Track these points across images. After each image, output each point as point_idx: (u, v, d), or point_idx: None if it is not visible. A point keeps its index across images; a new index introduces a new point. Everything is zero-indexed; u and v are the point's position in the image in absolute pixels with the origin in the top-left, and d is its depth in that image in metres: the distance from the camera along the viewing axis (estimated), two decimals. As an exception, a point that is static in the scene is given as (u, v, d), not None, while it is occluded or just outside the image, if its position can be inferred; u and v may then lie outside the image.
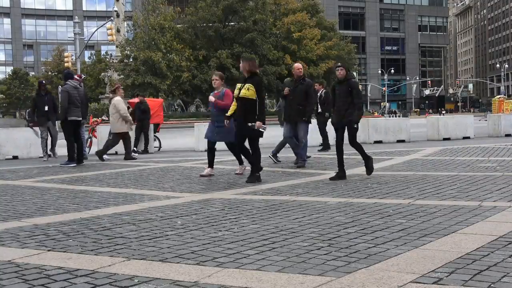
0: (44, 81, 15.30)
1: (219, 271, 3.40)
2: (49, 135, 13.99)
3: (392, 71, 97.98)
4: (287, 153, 11.66)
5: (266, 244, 4.12)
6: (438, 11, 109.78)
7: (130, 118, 13.45)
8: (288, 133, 10.70)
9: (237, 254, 3.82)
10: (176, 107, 66.33)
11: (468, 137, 18.32)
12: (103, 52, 69.35)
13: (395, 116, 65.55)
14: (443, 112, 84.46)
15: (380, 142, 17.21)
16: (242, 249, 3.97)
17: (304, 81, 10.52)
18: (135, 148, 15.50)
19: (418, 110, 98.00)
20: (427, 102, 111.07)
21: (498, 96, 60.64)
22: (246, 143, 8.69)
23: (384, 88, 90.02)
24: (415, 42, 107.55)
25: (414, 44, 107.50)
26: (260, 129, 8.29)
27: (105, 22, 49.24)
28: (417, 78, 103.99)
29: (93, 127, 17.20)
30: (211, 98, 9.17)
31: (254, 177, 8.14)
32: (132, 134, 15.86)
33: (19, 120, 61.25)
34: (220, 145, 16.08)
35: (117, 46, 51.46)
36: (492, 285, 3.04)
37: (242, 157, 9.21)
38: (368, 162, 8.47)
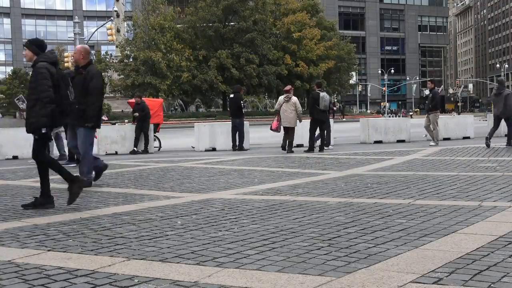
0: None
1: (219, 271, 3.40)
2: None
3: (392, 71, 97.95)
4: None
5: (266, 244, 4.12)
6: (438, 11, 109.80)
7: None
8: (72, 142, 8.59)
9: (237, 254, 3.82)
10: (176, 107, 66.37)
11: (468, 137, 18.34)
12: (103, 52, 69.30)
13: (396, 117, 65.42)
14: (454, 113, 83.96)
15: (380, 142, 17.21)
16: (242, 249, 3.97)
17: (85, 70, 7.69)
18: (135, 148, 15.52)
19: (418, 110, 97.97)
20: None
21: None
22: None
23: (384, 88, 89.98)
24: (415, 42, 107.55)
25: (414, 44, 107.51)
26: None
27: (105, 22, 49.27)
28: (417, 78, 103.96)
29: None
30: None
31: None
32: (132, 134, 15.90)
33: (19, 120, 61.18)
34: (220, 145, 16.17)
35: (117, 46, 51.52)
36: (492, 285, 3.03)
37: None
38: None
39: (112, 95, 51.99)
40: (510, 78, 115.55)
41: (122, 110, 43.99)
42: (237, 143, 15.69)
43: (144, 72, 47.92)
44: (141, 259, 3.73)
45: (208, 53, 53.55)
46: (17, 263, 3.69)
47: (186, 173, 9.67)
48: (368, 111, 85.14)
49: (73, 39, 49.32)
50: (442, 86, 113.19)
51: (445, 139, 17.69)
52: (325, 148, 14.41)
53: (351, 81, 73.96)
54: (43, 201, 6.11)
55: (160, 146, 17.12)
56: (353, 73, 76.37)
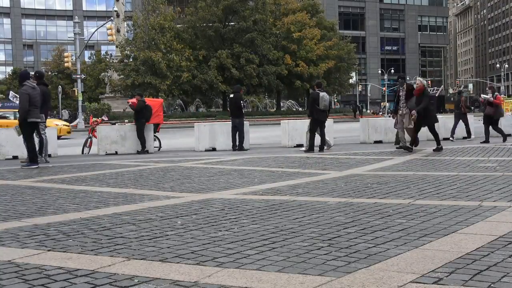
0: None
1: (219, 271, 3.40)
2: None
3: (392, 71, 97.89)
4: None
5: (266, 244, 4.12)
6: (438, 11, 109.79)
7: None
8: None
9: (237, 254, 3.82)
10: (176, 107, 66.33)
11: (468, 137, 18.31)
12: (103, 52, 69.29)
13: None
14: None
15: (380, 142, 17.21)
16: (242, 249, 3.97)
17: None
18: (138, 150, 15.52)
19: None
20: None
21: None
22: None
23: (384, 88, 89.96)
24: (415, 42, 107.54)
25: (414, 44, 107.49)
26: None
27: (105, 22, 49.22)
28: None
29: (93, 127, 17.19)
30: None
31: None
32: (132, 134, 15.91)
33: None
34: (220, 145, 16.16)
35: (117, 46, 51.48)
36: (492, 285, 3.04)
37: None
38: None
39: (112, 95, 51.97)
40: (510, 78, 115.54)
41: (124, 110, 43.94)
42: (237, 143, 15.71)
43: (144, 72, 47.90)
44: (141, 259, 3.73)
45: (208, 53, 53.52)
46: (17, 263, 3.69)
47: (186, 173, 9.67)
48: (368, 111, 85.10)
49: (73, 39, 49.34)
50: (442, 86, 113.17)
51: (445, 139, 17.68)
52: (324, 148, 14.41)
53: (350, 81, 73.87)
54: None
55: (160, 146, 17.12)
56: (353, 73, 76.31)
